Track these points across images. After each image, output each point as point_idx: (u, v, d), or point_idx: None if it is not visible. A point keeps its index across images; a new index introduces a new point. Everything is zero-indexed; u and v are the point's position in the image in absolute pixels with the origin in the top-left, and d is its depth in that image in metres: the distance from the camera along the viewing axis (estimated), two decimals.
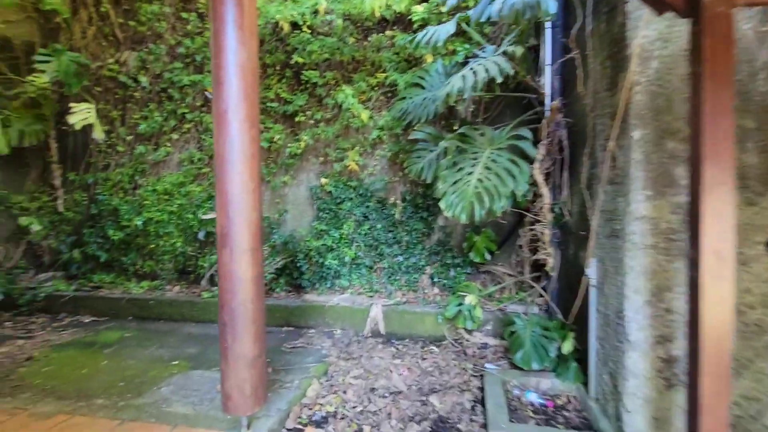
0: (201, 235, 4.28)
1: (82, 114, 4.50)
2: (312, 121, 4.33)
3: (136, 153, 4.85)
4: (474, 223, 2.51)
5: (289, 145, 4.35)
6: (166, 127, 4.78)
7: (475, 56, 3.18)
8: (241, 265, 1.87)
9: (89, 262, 4.85)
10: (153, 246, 4.58)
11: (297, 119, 4.33)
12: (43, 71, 4.48)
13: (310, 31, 4.22)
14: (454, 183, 2.55)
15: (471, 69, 2.40)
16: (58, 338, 3.45)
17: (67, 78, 4.50)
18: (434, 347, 3.17)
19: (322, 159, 4.34)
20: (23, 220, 4.92)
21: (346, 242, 4.12)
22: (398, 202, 4.07)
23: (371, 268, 4.09)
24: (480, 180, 2.47)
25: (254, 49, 1.91)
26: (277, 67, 4.45)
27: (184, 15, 4.77)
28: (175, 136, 4.77)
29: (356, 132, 4.27)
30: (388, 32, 4.10)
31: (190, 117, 4.72)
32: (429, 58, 3.71)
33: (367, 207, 4.12)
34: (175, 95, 4.73)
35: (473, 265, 3.79)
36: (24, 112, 4.78)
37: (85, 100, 4.77)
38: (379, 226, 4.08)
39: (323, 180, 4.23)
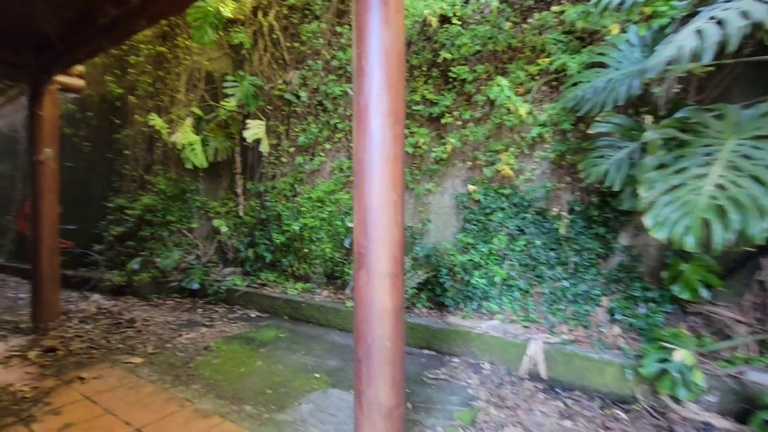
0: (347, 243, 4.32)
1: (254, 130, 5.10)
2: (459, 122, 3.92)
3: (295, 163, 5.27)
4: (710, 250, 1.68)
5: (434, 149, 4.03)
6: (320, 137, 5.05)
7: (695, 14, 2.26)
8: (378, 292, 1.59)
9: (259, 261, 5.48)
10: (307, 250, 4.87)
11: (443, 121, 3.98)
12: (231, 95, 5.25)
13: (460, 23, 3.83)
14: (670, 190, 1.78)
15: (710, 19, 1.61)
16: (230, 330, 3.88)
17: (247, 99, 5.16)
18: (620, 411, 2.37)
19: (469, 164, 3.89)
20: (215, 222, 5.89)
21: (496, 259, 3.56)
22: (563, 213, 3.31)
23: (527, 292, 3.43)
24: (721, 186, 1.64)
25: (400, 29, 1.61)
26: (424, 68, 4.19)
27: (338, 29, 4.96)
28: (328, 145, 5.00)
29: (510, 131, 3.68)
30: (554, 8, 3.39)
31: (341, 126, 4.86)
32: (614, 30, 2.88)
33: (523, 219, 3.49)
34: (329, 106, 4.95)
35: (677, 302, 2.77)
36: (217, 131, 5.70)
37: (259, 118, 5.42)
38: (537, 242, 3.40)
39: (471, 187, 3.77)
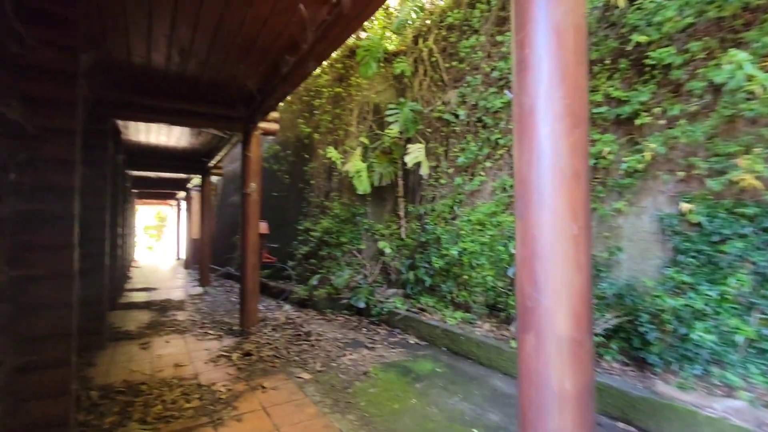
0: (510, 272, 3.81)
1: (414, 153, 5.14)
2: (663, 121, 3.01)
3: (455, 184, 5.06)
4: None
5: (624, 158, 3.20)
6: (480, 156, 4.72)
7: None
8: (554, 366, 1.16)
9: (419, 284, 5.43)
10: (466, 276, 4.55)
11: (637, 122, 3.13)
12: (393, 122, 5.48)
13: None
14: None
15: None
16: (388, 356, 3.86)
17: (407, 125, 5.29)
18: None
19: (681, 174, 2.92)
20: (380, 244, 6.18)
21: (735, 308, 2.50)
22: None
23: None
24: None
25: None
26: (606, 61, 3.43)
27: (498, 38, 4.60)
28: (488, 164, 4.63)
29: (753, 124, 2.60)
30: None
31: (503, 142, 4.43)
32: None
33: None
34: (489, 122, 4.60)
35: None
36: (382, 158, 6.02)
37: (419, 141, 5.47)
38: None
39: (685, 206, 2.80)
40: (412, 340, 4.43)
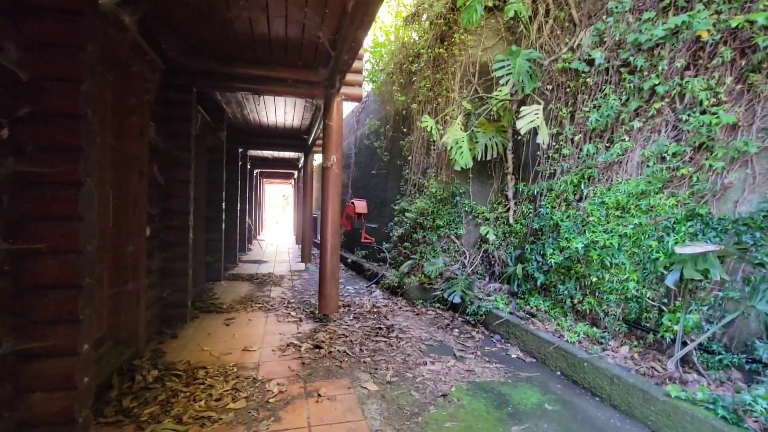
0: (671, 279, 2.56)
1: (529, 117, 4.03)
2: None
3: (583, 154, 3.82)
4: None
5: None
6: (624, 113, 3.41)
7: None
8: None
9: (528, 281, 4.38)
10: (595, 279, 3.37)
11: None
12: (505, 75, 4.41)
13: None
14: None
15: None
16: (480, 373, 3.03)
17: (521, 79, 4.17)
18: None
19: None
20: (483, 230, 5.23)
21: None
22: None
23: None
24: None
25: None
26: None
27: None
28: (636, 124, 3.29)
29: None
30: None
31: (662, 90, 3.06)
32: None
33: None
34: (641, 63, 3.24)
35: None
36: (487, 126, 5.00)
37: (536, 102, 4.31)
38: None
39: None
40: (515, 353, 3.49)
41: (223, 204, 5.99)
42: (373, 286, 6.30)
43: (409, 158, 6.83)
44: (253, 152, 10.37)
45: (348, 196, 10.58)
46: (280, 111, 6.19)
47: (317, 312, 4.41)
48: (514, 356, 3.42)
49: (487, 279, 5.26)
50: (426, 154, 6.40)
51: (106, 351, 2.82)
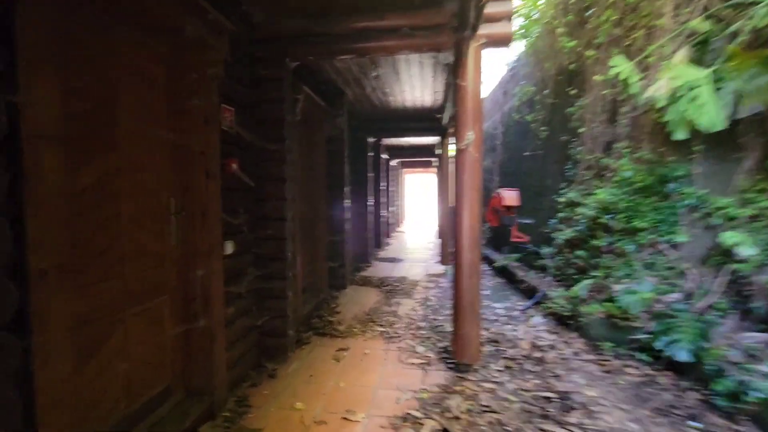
0: None
1: None
2: None
3: None
4: None
5: None
6: None
7: None
8: None
9: None
10: None
11: None
12: None
13: None
14: None
15: None
16: None
17: None
18: None
19: None
20: (726, 236, 3.11)
21: None
22: None
23: None
24: None
25: None
26: None
27: None
28: None
29: None
30: None
31: None
32: None
33: None
34: None
35: None
36: (744, 59, 2.83)
37: None
38: None
39: None
40: None
41: (345, 201, 5.25)
42: (531, 306, 4.69)
43: (581, 131, 4.88)
44: (388, 141, 9.67)
45: (493, 184, 8.91)
46: (406, 86, 5.08)
47: (451, 353, 3.16)
48: None
49: (737, 320, 3.12)
50: (609, 122, 4.40)
51: (171, 408, 2.17)
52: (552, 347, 3.45)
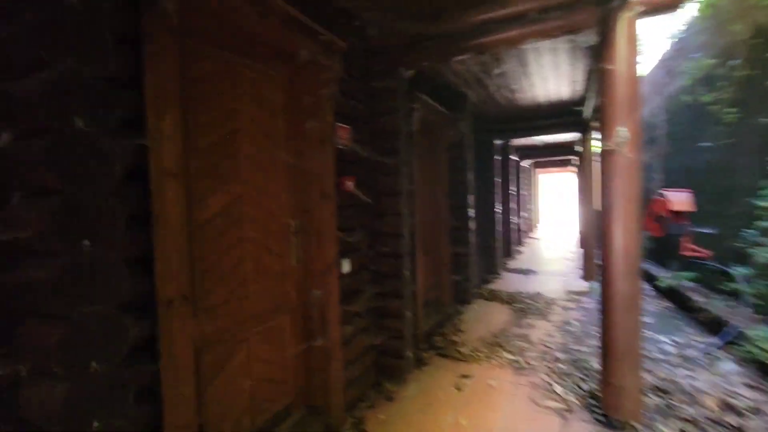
0: None
1: None
2: None
3: None
4: None
5: None
6: None
7: None
8: None
9: None
10: None
11: None
12: None
13: None
14: None
15: None
16: None
17: None
18: None
19: None
20: None
21: None
22: None
23: None
24: None
25: None
26: None
27: None
28: None
29: None
30: None
31: None
32: None
33: None
34: None
35: None
36: None
37: None
38: None
39: None
40: None
41: (470, 210, 4.91)
42: (719, 345, 3.58)
43: None
44: (517, 142, 8.89)
45: (653, 184, 7.32)
46: (536, 79, 4.49)
47: (598, 399, 2.56)
48: None
49: None
50: None
51: (292, 426, 2.23)
52: (757, 411, 2.51)
